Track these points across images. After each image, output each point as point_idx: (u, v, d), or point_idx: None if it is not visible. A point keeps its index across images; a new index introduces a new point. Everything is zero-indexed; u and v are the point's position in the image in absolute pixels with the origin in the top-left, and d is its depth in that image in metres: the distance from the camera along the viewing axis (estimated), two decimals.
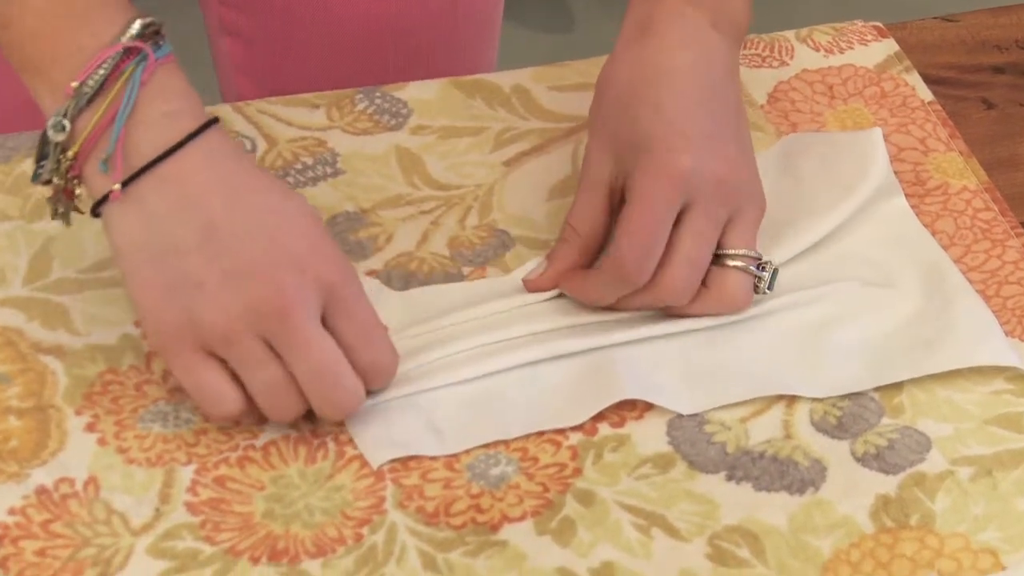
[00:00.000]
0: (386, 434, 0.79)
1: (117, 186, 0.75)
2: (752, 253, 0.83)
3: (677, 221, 0.82)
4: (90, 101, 0.75)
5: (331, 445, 0.79)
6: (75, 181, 0.77)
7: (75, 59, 0.75)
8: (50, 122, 0.75)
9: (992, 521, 0.77)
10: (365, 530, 0.76)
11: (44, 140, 0.76)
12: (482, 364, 0.82)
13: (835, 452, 0.80)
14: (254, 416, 0.78)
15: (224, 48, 1.09)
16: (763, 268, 0.84)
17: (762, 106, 0.97)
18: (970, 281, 0.87)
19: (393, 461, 0.78)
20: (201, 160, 0.76)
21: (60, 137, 0.75)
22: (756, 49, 1.01)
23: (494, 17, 1.14)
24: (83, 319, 0.83)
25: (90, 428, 0.79)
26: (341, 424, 0.79)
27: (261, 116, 0.94)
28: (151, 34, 0.76)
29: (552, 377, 0.82)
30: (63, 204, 0.78)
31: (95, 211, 0.76)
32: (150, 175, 0.75)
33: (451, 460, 0.79)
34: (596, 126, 0.85)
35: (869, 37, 1.02)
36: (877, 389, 0.82)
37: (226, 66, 1.10)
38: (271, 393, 0.76)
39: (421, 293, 0.85)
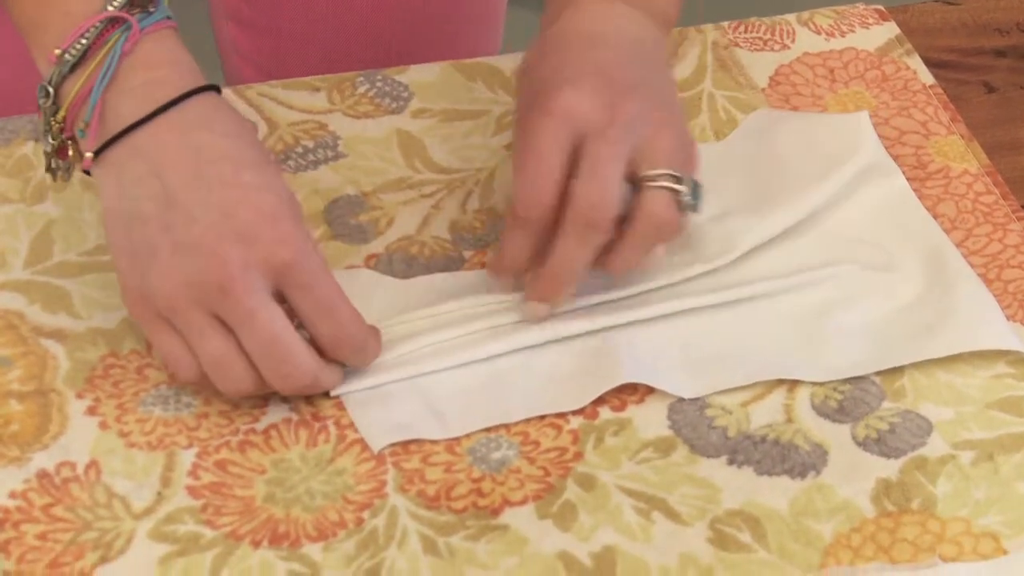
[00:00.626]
0: (387, 418, 0.79)
1: (89, 154, 0.77)
2: (668, 171, 0.80)
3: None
4: (73, 69, 0.76)
5: (332, 429, 0.79)
6: (70, 141, 0.78)
7: (62, 25, 0.76)
8: (39, 87, 0.77)
9: (993, 505, 0.77)
10: (366, 514, 0.76)
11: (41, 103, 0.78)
12: (483, 347, 0.82)
13: (836, 436, 0.80)
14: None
15: (228, 34, 1.09)
16: (681, 182, 0.81)
17: (763, 89, 0.97)
18: (971, 265, 0.87)
19: (394, 445, 0.78)
20: (170, 130, 0.76)
21: (45, 103, 0.77)
22: (757, 32, 1.00)
23: (499, 3, 1.13)
24: (84, 303, 0.83)
25: (91, 412, 0.79)
26: (342, 408, 0.79)
27: (262, 99, 0.94)
28: (141, 2, 0.77)
29: (553, 361, 0.82)
30: (56, 162, 0.79)
31: (86, 171, 0.78)
32: (123, 143, 0.76)
33: (452, 444, 0.79)
34: (520, 107, 0.84)
35: (870, 20, 1.02)
36: (878, 373, 0.82)
37: (229, 52, 1.10)
38: (216, 364, 0.76)
39: (420, 282, 0.85)
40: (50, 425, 0.78)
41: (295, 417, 0.79)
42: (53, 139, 0.78)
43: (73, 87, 0.76)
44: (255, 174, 0.77)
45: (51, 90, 0.77)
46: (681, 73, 0.98)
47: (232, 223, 0.75)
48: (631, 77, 0.82)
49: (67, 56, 0.76)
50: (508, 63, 0.97)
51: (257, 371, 0.76)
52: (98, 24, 0.76)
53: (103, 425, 0.78)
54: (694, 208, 0.82)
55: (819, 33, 1.01)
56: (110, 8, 0.76)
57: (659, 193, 0.81)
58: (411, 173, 0.91)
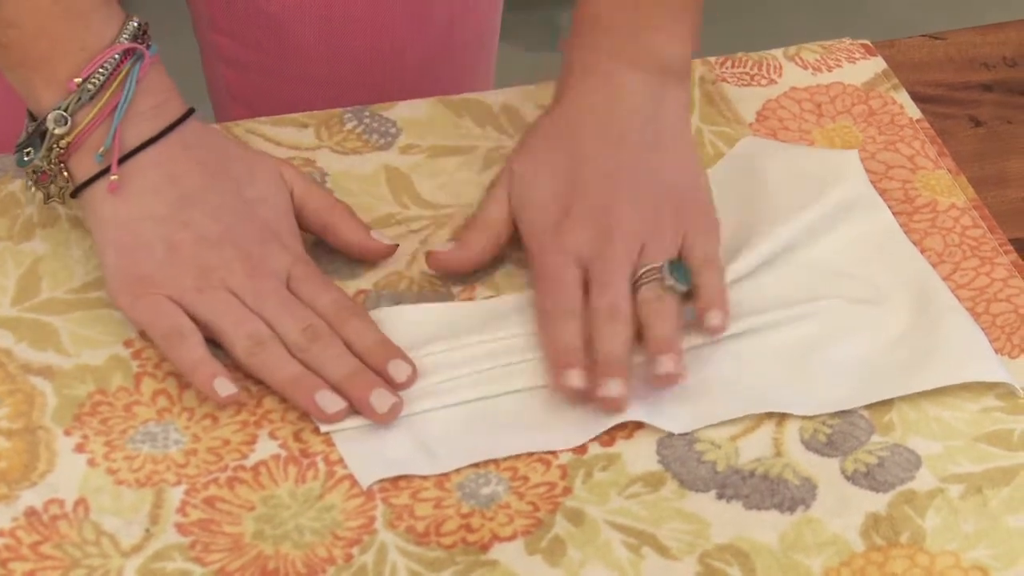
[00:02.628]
0: (376, 453, 0.79)
1: (115, 176, 0.83)
2: (649, 265, 0.84)
3: None
4: (92, 97, 0.82)
5: (321, 465, 0.79)
6: (60, 166, 0.83)
7: (78, 58, 0.82)
8: (51, 115, 0.82)
9: (983, 539, 0.77)
10: (355, 550, 0.75)
11: (34, 130, 0.83)
12: (475, 390, 0.82)
13: (825, 470, 0.80)
14: (213, 367, 0.80)
15: (220, 76, 1.10)
16: (658, 272, 0.84)
17: (751, 124, 0.97)
18: (959, 298, 0.87)
19: (383, 481, 0.78)
20: (180, 147, 0.84)
21: (62, 129, 0.82)
22: (744, 67, 1.01)
23: (490, 43, 1.14)
24: (72, 340, 0.83)
25: (79, 449, 0.79)
26: (331, 444, 0.79)
27: (249, 136, 0.94)
28: (142, 34, 0.84)
29: (546, 398, 0.82)
30: (39, 185, 0.85)
31: (76, 193, 0.84)
32: (136, 160, 0.83)
33: (441, 479, 0.79)
34: (524, 159, 0.89)
35: (857, 55, 1.02)
36: (867, 407, 0.82)
37: (221, 93, 1.11)
38: (259, 341, 0.81)
39: (413, 311, 0.85)
40: (38, 463, 0.78)
41: (284, 453, 0.79)
42: (47, 165, 0.83)
43: (89, 114, 0.82)
44: (253, 190, 0.85)
45: (69, 117, 0.82)
46: None
47: (246, 228, 0.83)
48: (633, 176, 0.87)
49: (88, 85, 0.82)
50: (496, 99, 0.97)
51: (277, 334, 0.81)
52: (116, 56, 0.82)
53: (91, 462, 0.78)
54: (677, 288, 0.84)
55: (806, 68, 1.01)
56: (123, 40, 0.83)
57: (648, 291, 0.84)
58: (399, 209, 0.91)
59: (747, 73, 1.01)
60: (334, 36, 1.06)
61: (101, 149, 0.82)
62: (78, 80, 0.81)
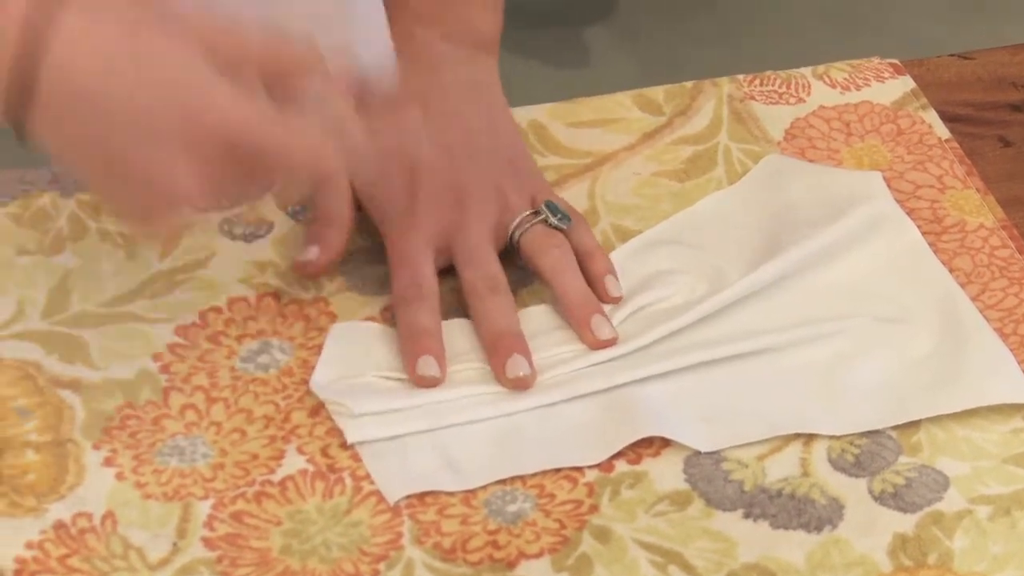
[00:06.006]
0: (403, 469, 0.79)
1: None
2: (526, 212, 0.87)
3: None
4: None
5: (348, 480, 0.79)
6: None
7: None
8: None
9: (1011, 560, 0.77)
10: (382, 566, 0.76)
11: None
12: (500, 406, 0.82)
13: (853, 490, 0.80)
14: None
15: None
16: (537, 214, 0.87)
17: (779, 142, 0.98)
18: (987, 319, 0.87)
19: (410, 497, 0.78)
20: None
21: None
22: (773, 85, 1.01)
23: None
24: (101, 353, 0.84)
25: (108, 462, 0.79)
26: (358, 459, 0.80)
27: None
28: None
29: (571, 414, 0.82)
30: None
31: None
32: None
33: (468, 496, 0.79)
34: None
35: (886, 74, 1.03)
36: (895, 427, 0.83)
37: None
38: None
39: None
40: (67, 476, 0.79)
41: (311, 468, 0.79)
42: None
43: None
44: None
45: None
46: (697, 126, 0.98)
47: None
48: (470, 150, 0.88)
49: None
50: (524, 116, 0.97)
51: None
52: None
53: (119, 476, 0.79)
54: (562, 225, 0.87)
55: (834, 87, 1.02)
56: None
57: (532, 233, 0.87)
58: None
59: (776, 91, 1.01)
60: None
61: None
62: None
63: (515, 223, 0.87)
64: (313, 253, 0.87)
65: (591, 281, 0.86)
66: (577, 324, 0.85)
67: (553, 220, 0.87)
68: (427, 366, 0.82)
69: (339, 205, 0.87)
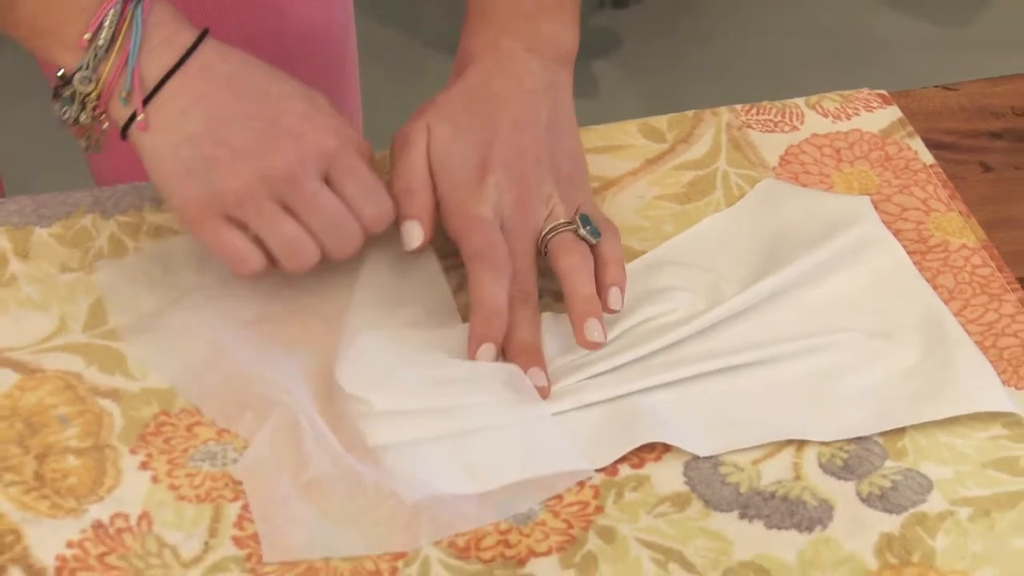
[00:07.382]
0: (420, 472, 0.80)
1: (141, 116, 0.84)
2: (561, 219, 0.89)
3: None
4: (107, 49, 0.83)
5: (369, 481, 0.79)
6: (102, 116, 0.86)
7: (80, 19, 0.83)
8: (76, 76, 0.84)
9: (990, 559, 0.78)
10: (400, 563, 0.77)
11: (62, 90, 0.84)
12: (517, 413, 0.83)
13: (842, 493, 0.81)
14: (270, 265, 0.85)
15: None
16: (570, 223, 0.89)
17: (774, 168, 0.99)
18: (969, 333, 0.89)
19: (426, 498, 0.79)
20: (199, 68, 0.85)
21: (90, 88, 0.84)
22: (768, 115, 1.02)
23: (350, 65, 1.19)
24: (138, 364, 0.85)
25: (144, 466, 0.81)
26: (379, 460, 0.80)
27: None
28: None
29: (577, 421, 0.84)
30: (93, 137, 0.87)
31: (123, 136, 0.85)
32: (162, 92, 0.84)
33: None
34: (441, 121, 0.92)
35: (874, 104, 1.04)
36: (881, 434, 0.84)
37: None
38: (289, 244, 0.85)
39: (464, 330, 0.87)
40: (105, 479, 0.80)
41: (335, 472, 0.80)
42: (87, 118, 0.85)
43: (107, 65, 0.84)
44: (279, 88, 0.86)
45: (91, 74, 0.84)
46: (697, 152, 1.00)
47: (278, 128, 0.84)
48: (537, 158, 0.91)
49: (99, 40, 0.83)
50: None
51: (320, 247, 0.85)
52: (116, 5, 0.83)
53: (155, 479, 0.80)
54: (590, 239, 0.89)
55: (826, 116, 1.03)
56: None
57: (559, 238, 0.89)
58: (442, 242, 0.92)
59: (771, 120, 1.02)
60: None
61: (123, 93, 0.84)
62: (87, 36, 0.83)
63: (549, 227, 0.89)
64: (416, 231, 0.89)
65: (599, 289, 0.88)
66: (573, 322, 0.87)
67: (582, 231, 0.89)
68: (488, 352, 0.86)
69: (422, 176, 0.90)
